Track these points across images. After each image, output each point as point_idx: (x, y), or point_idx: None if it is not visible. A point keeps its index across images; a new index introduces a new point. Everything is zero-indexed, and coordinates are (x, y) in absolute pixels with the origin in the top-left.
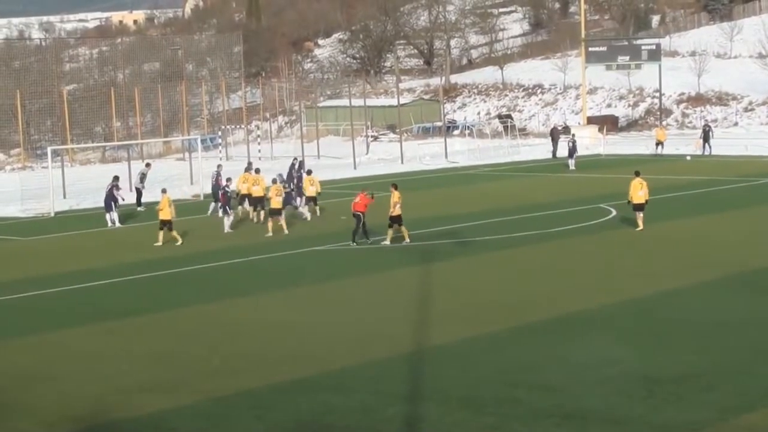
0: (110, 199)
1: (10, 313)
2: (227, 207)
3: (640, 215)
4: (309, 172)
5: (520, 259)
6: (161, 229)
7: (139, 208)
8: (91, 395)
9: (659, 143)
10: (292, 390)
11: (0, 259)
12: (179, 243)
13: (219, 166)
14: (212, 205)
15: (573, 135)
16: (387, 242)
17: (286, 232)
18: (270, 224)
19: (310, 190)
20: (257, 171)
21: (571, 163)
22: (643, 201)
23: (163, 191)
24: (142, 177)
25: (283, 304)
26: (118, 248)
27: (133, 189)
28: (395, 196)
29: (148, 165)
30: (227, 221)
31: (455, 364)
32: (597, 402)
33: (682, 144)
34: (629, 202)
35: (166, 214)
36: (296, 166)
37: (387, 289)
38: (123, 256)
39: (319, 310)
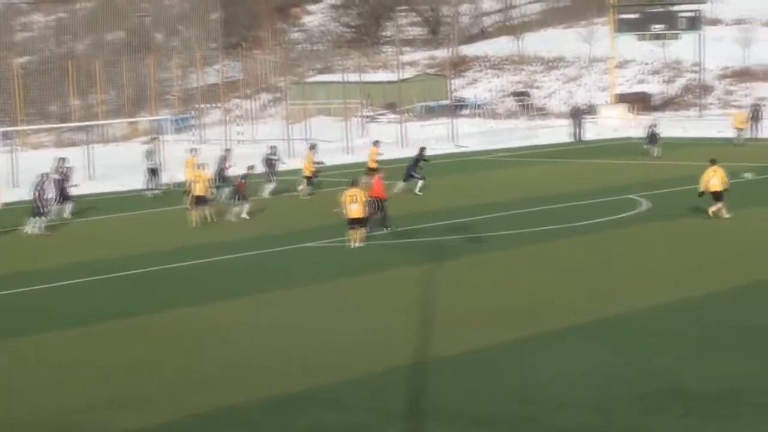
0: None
1: None
2: (244, 195)
3: (718, 205)
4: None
5: (539, 257)
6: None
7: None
8: (56, 410)
9: (740, 129)
10: (281, 406)
11: None
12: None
13: (227, 150)
14: (213, 191)
15: (654, 121)
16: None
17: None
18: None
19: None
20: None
21: (655, 150)
22: (720, 189)
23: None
24: (149, 154)
25: (271, 309)
26: (81, 244)
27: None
28: (350, 194)
29: (153, 139)
30: (245, 208)
31: (463, 378)
32: (626, 421)
33: (725, 126)
34: (702, 193)
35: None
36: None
37: (388, 292)
38: (94, 252)
39: (311, 316)
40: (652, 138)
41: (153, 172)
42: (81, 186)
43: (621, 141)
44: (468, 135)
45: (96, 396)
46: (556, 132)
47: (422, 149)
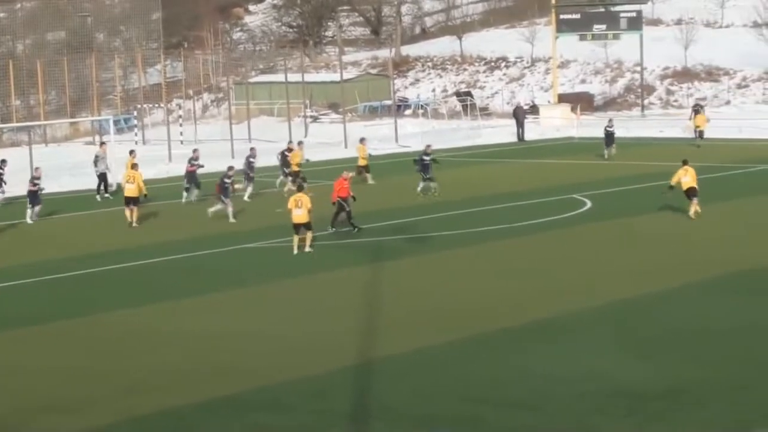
0: None
1: None
2: (222, 196)
3: (694, 202)
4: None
5: (483, 257)
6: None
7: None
8: None
9: (699, 129)
10: (221, 408)
11: None
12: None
13: (195, 150)
14: (185, 193)
15: (611, 121)
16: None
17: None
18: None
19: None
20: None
21: (610, 150)
22: (693, 185)
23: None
24: (98, 160)
25: (209, 311)
26: (25, 245)
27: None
28: (296, 198)
29: (103, 144)
30: (230, 210)
31: (408, 378)
32: (572, 421)
33: (667, 126)
34: (670, 187)
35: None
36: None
37: (329, 293)
38: (24, 255)
39: (251, 317)
40: (609, 138)
41: (102, 176)
42: (21, 187)
43: (563, 141)
44: (411, 135)
45: (31, 400)
46: (499, 132)
47: (427, 146)
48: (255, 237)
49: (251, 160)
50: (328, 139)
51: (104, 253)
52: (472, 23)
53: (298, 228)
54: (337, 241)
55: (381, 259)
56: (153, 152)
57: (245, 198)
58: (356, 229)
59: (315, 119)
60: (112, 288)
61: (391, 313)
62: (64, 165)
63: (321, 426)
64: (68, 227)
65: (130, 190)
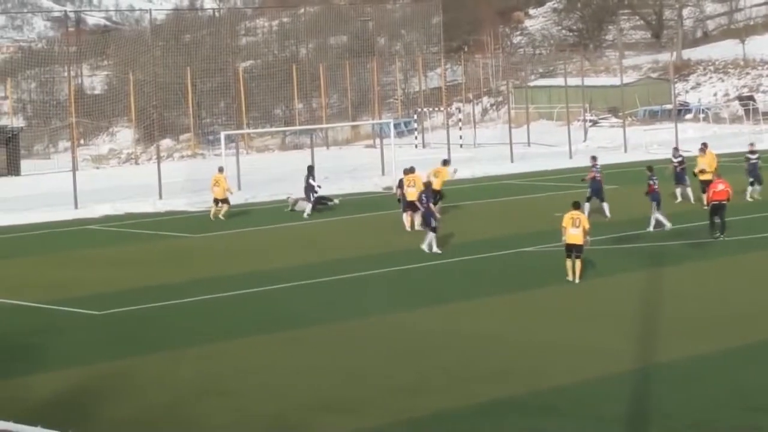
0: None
1: (179, 319)
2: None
3: None
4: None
5: (765, 264)
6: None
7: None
8: (268, 413)
9: None
10: (496, 412)
11: (168, 259)
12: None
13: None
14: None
15: None
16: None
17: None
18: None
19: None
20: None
21: None
22: None
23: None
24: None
25: (481, 314)
26: (300, 247)
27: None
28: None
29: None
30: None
31: (685, 385)
32: None
33: None
34: None
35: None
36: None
37: (604, 298)
38: (306, 256)
39: (524, 321)
40: None
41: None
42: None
43: None
44: (691, 139)
45: (310, 399)
46: None
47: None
48: (532, 240)
49: (311, 182)
50: (607, 143)
51: (378, 255)
52: (755, 26)
53: (571, 249)
54: (615, 246)
55: (660, 264)
56: (432, 155)
57: (304, 215)
58: (720, 236)
59: (594, 123)
60: (385, 290)
61: (668, 320)
62: (345, 167)
63: (598, 431)
64: (345, 229)
65: (411, 195)
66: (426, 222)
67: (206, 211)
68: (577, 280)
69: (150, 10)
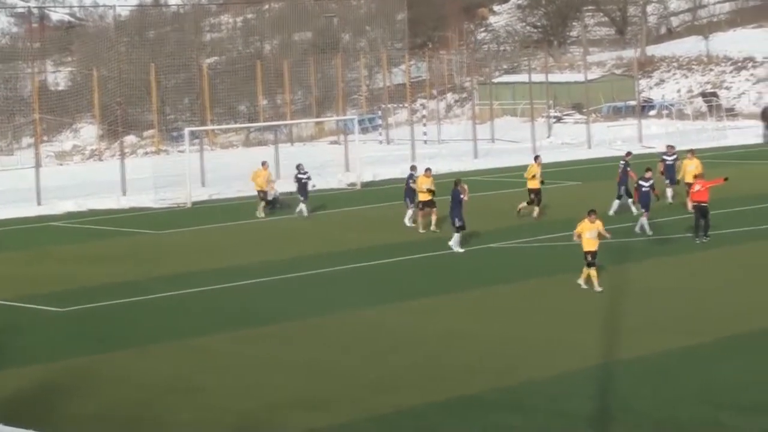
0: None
1: (144, 316)
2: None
3: None
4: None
5: (730, 260)
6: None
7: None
8: (236, 410)
9: None
10: (462, 408)
11: (132, 255)
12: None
13: (413, 167)
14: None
15: None
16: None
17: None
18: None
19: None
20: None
21: None
22: None
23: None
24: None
25: (449, 310)
26: (265, 243)
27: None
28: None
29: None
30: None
31: (649, 381)
32: None
33: None
34: None
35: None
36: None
37: (572, 294)
38: (272, 252)
39: (493, 317)
40: None
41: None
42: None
43: None
44: (655, 136)
45: (280, 396)
46: (745, 133)
47: (628, 154)
48: (499, 237)
49: (300, 176)
50: (571, 140)
51: (345, 252)
52: (719, 23)
53: (588, 254)
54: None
55: (626, 261)
56: (397, 152)
57: (304, 215)
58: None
59: (558, 119)
60: (354, 286)
61: (636, 315)
62: (309, 164)
63: (561, 427)
64: (310, 225)
65: (424, 195)
66: (452, 221)
67: (170, 208)
68: (598, 288)
69: (114, 6)
